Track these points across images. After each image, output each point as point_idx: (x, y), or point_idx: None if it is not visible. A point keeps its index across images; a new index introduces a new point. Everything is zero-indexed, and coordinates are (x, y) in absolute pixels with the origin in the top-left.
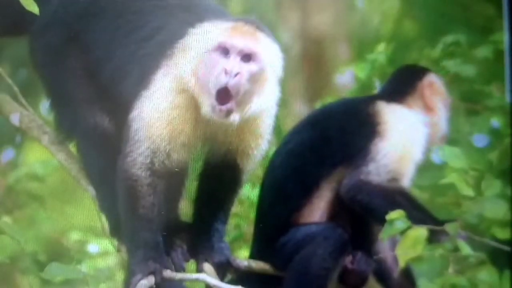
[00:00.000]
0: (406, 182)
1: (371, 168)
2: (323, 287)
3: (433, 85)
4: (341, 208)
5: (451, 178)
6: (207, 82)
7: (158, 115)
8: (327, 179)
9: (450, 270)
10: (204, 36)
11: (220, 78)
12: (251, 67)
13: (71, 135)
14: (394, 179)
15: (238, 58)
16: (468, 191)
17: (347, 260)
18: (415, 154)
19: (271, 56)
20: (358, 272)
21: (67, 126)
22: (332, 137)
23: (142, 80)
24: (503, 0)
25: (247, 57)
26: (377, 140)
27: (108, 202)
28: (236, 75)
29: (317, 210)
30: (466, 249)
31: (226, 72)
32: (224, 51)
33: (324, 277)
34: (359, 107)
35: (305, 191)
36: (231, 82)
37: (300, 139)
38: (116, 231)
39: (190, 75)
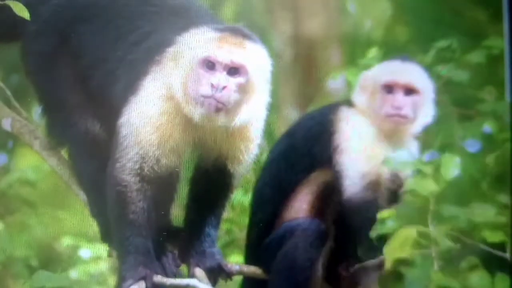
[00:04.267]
0: (385, 181)
1: (346, 184)
2: (309, 279)
3: None
4: (324, 208)
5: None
6: (194, 95)
7: (146, 121)
8: (304, 184)
9: (436, 267)
10: (191, 46)
11: (206, 91)
12: (238, 80)
13: (63, 141)
14: (371, 183)
15: (225, 72)
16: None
17: (341, 268)
18: (379, 153)
19: (258, 64)
20: (354, 279)
21: (59, 132)
22: (299, 146)
23: (131, 86)
24: (503, 1)
25: (233, 70)
26: (339, 151)
27: (99, 208)
28: (223, 88)
29: (298, 213)
30: (445, 241)
31: (212, 86)
32: (210, 65)
33: (308, 268)
34: (324, 114)
35: (282, 197)
36: (218, 94)
37: (278, 148)
38: (107, 236)
39: (179, 86)
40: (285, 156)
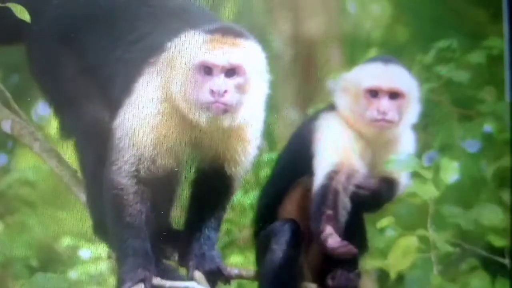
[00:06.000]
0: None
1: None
2: (296, 278)
3: None
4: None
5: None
6: (196, 101)
7: (142, 122)
8: (291, 190)
9: (435, 271)
10: (184, 51)
11: (206, 98)
12: (236, 81)
13: (72, 134)
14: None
15: (222, 75)
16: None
17: (328, 278)
18: (352, 152)
19: (254, 61)
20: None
21: (69, 125)
22: (286, 154)
23: (125, 87)
24: (503, 1)
25: (230, 72)
26: (316, 160)
27: (96, 198)
28: (224, 92)
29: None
30: (445, 246)
31: (212, 92)
32: (207, 70)
33: (291, 267)
34: (306, 124)
35: (275, 201)
36: (222, 99)
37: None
38: (99, 228)
39: (179, 93)
40: (277, 164)
